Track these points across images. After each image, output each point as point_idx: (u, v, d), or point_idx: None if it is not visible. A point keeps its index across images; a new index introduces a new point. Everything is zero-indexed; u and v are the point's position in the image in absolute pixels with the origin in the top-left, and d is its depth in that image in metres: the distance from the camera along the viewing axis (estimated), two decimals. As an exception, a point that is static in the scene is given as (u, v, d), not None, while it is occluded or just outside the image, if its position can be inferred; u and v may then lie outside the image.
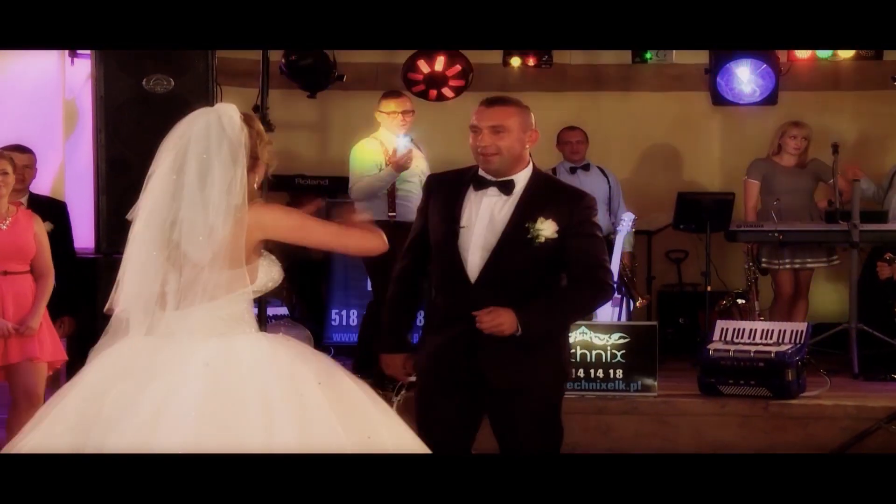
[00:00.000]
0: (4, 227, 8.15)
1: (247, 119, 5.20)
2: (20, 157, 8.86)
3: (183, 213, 5.02)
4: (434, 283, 6.08)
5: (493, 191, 5.90)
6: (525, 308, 5.72)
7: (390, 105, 11.00)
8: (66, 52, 11.37)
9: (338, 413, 4.91)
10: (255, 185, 5.27)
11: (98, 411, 4.85)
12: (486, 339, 5.80)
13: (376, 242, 5.31)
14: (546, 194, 6.00)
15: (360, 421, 4.97)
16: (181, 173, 5.04)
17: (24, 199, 8.85)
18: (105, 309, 5.39)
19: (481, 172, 5.90)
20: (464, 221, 5.94)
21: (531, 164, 6.00)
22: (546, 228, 5.84)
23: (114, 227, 9.39)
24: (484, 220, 5.92)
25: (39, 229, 8.47)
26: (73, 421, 4.95)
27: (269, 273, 5.20)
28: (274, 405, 4.89)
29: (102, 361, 5.09)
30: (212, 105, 9.09)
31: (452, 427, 5.90)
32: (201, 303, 5.01)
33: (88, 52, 10.60)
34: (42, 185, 9.90)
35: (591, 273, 6.01)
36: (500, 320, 5.69)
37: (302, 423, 4.89)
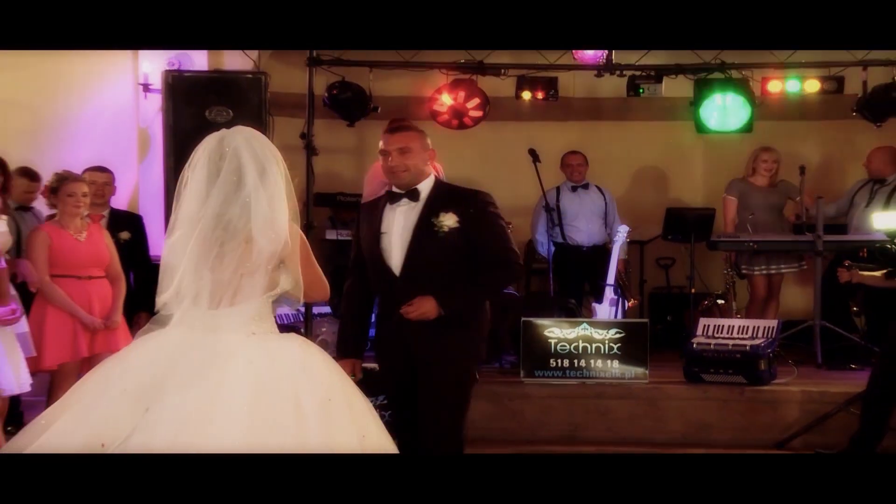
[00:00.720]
0: (82, 238, 8.30)
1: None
2: (100, 176, 9.05)
3: (251, 209, 4.97)
4: (371, 287, 6.30)
5: (404, 201, 6.15)
6: (443, 292, 5.95)
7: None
8: (141, 86, 11.39)
9: (350, 416, 4.98)
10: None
11: (143, 404, 4.74)
12: (413, 323, 6.04)
13: (325, 295, 5.44)
14: (446, 196, 6.26)
15: (359, 421, 5.03)
16: (238, 175, 4.98)
17: (105, 213, 8.98)
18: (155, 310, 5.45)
19: (394, 189, 6.22)
20: (384, 229, 6.20)
21: (433, 175, 6.30)
22: (448, 219, 6.09)
23: None
24: (399, 224, 6.15)
25: (109, 241, 8.58)
26: (117, 411, 4.81)
27: (287, 279, 5.17)
28: (305, 407, 4.83)
29: (146, 348, 5.02)
30: (267, 135, 9.44)
31: (403, 403, 6.21)
32: (238, 303, 4.96)
33: (160, 86, 10.82)
34: (120, 200, 9.91)
35: (497, 256, 6.25)
36: (423, 308, 5.96)
37: (328, 426, 4.85)
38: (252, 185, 4.84)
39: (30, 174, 8.61)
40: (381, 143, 6.33)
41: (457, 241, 6.08)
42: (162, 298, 4.96)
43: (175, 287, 4.95)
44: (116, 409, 4.74)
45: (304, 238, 5.20)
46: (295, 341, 5.03)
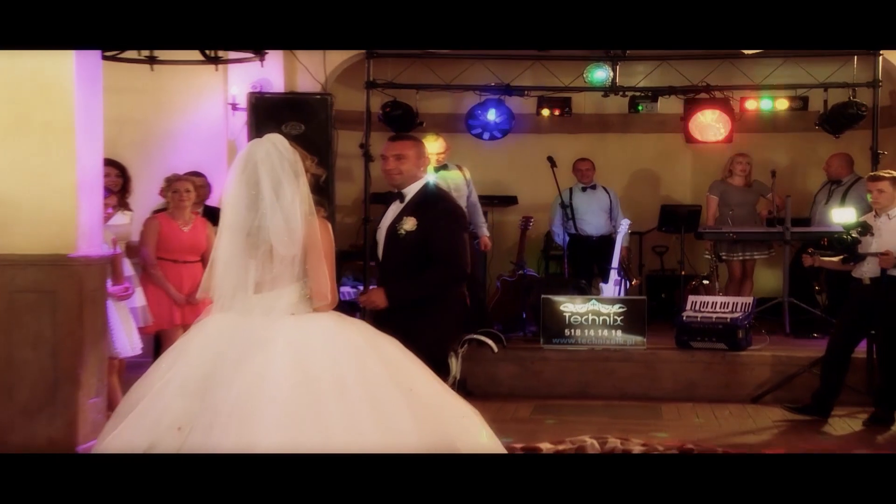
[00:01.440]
0: (187, 229, 8.68)
1: (292, 143, 5.23)
2: (198, 180, 9.29)
3: (267, 220, 4.98)
4: None
5: (396, 202, 6.35)
6: (392, 286, 6.22)
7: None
8: (230, 105, 11.66)
9: (394, 382, 5.00)
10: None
11: (202, 388, 4.80)
12: (384, 310, 6.22)
13: (325, 299, 5.17)
14: (420, 201, 6.33)
15: (400, 378, 5.04)
16: (257, 189, 4.99)
17: (200, 210, 9.30)
18: (197, 295, 5.96)
19: (391, 186, 6.44)
20: (380, 223, 6.50)
21: (424, 181, 6.40)
22: (407, 224, 6.20)
23: None
24: (386, 221, 6.38)
25: (210, 232, 8.67)
26: (183, 388, 4.89)
27: None
28: (347, 380, 4.86)
29: (201, 333, 5.10)
30: (333, 145, 9.74)
31: None
32: (277, 289, 4.99)
33: (245, 105, 10.94)
34: (213, 199, 9.96)
35: (441, 256, 6.31)
36: (372, 298, 6.29)
37: (371, 398, 4.88)
38: (269, 200, 4.89)
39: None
40: (382, 149, 6.59)
41: (414, 241, 6.20)
42: (211, 287, 5.10)
43: (222, 277, 5.03)
44: (178, 398, 4.82)
45: (327, 234, 5.16)
46: (330, 318, 5.04)
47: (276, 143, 5.04)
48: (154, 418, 4.71)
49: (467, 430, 5.12)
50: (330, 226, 5.21)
